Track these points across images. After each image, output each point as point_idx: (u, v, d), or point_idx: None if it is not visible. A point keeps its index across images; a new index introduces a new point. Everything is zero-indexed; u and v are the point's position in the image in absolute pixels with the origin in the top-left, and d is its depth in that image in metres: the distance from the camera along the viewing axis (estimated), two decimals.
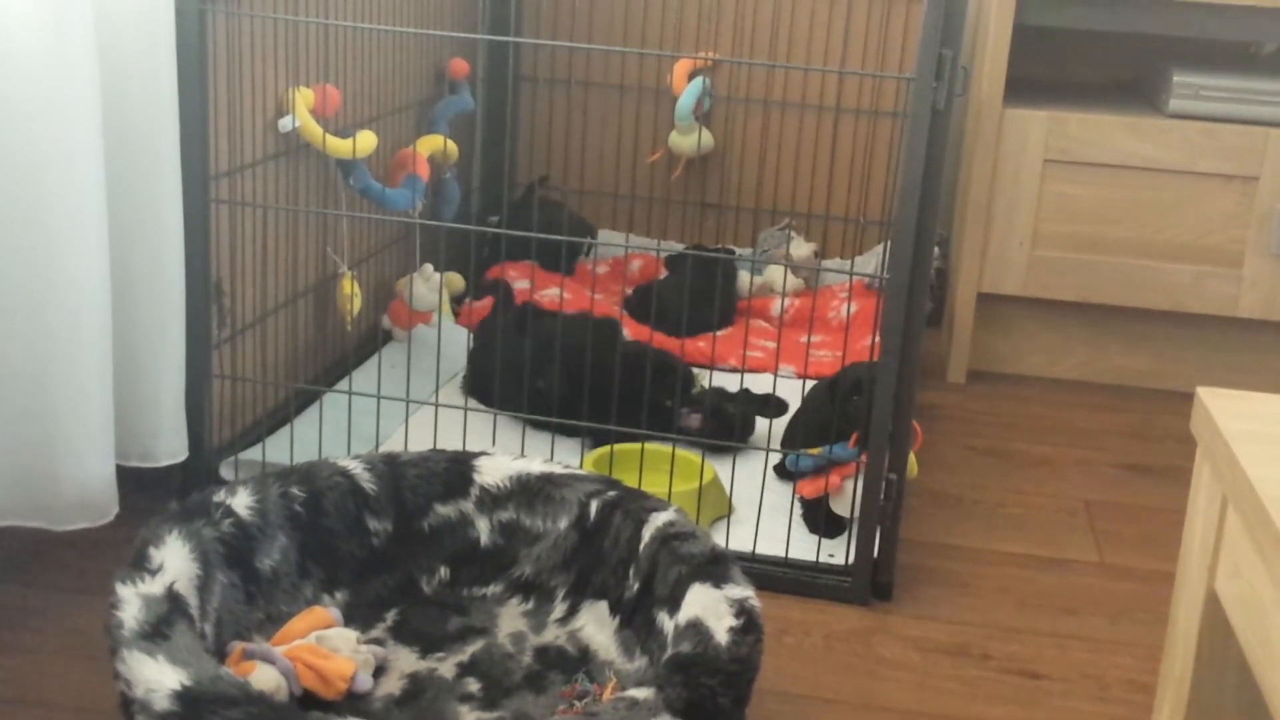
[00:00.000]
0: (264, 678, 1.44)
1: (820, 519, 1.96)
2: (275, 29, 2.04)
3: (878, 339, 1.81)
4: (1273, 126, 2.57)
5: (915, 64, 1.72)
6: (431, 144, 2.51)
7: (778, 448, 2.11)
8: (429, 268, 2.46)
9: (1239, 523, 1.07)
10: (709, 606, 1.46)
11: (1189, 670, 1.19)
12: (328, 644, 1.53)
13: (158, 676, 1.26)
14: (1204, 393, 1.19)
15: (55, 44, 1.56)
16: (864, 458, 1.83)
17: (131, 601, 1.37)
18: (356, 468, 1.72)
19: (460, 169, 2.79)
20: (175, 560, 1.46)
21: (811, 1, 2.95)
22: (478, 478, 1.74)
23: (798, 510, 2.01)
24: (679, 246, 3.02)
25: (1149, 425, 2.59)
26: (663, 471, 1.98)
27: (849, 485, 1.92)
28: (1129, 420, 2.61)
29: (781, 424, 2.22)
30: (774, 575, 1.86)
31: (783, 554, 1.89)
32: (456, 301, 2.62)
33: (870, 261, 2.91)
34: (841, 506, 1.93)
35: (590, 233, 2.97)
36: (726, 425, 2.16)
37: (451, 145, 2.54)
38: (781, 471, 2.12)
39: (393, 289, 2.57)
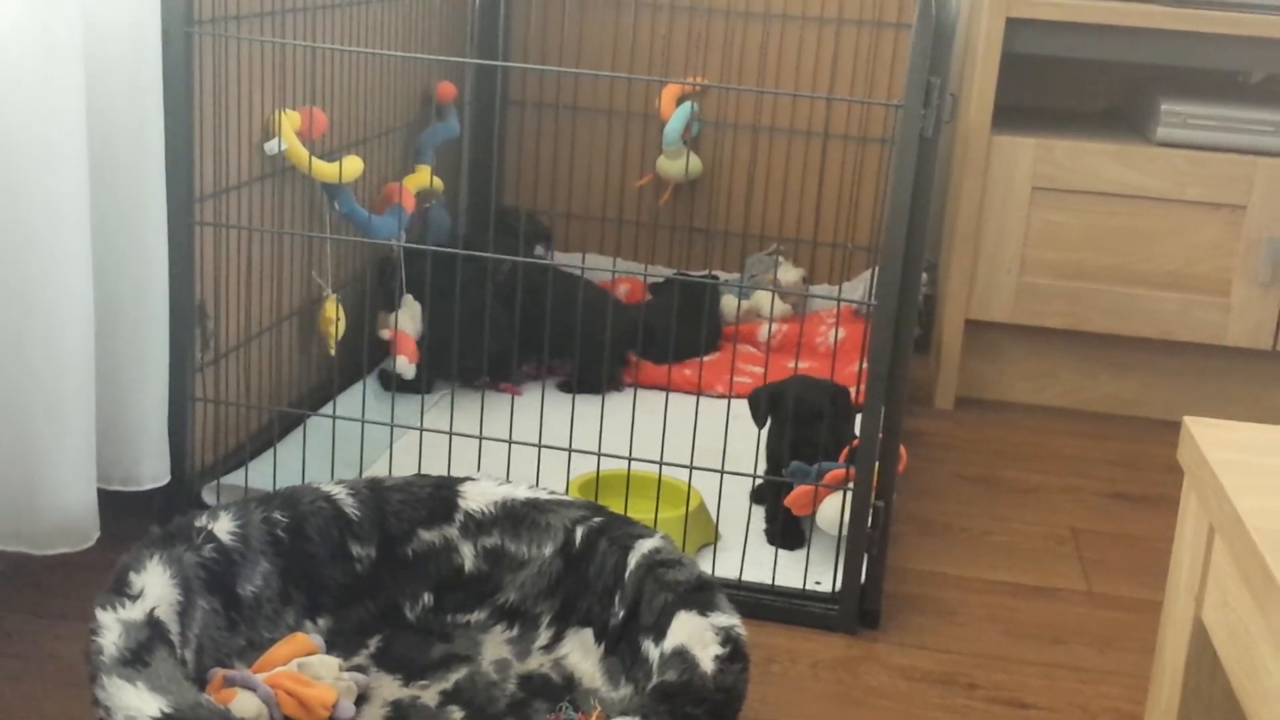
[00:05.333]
0: (245, 705, 1.43)
1: (777, 528, 1.98)
2: (262, 51, 2.04)
3: (865, 365, 1.81)
4: (1260, 155, 2.57)
5: (904, 91, 1.72)
6: (419, 181, 2.51)
7: (761, 474, 2.10)
8: (409, 298, 2.44)
9: (1226, 553, 1.06)
10: (695, 634, 1.45)
11: (1176, 700, 1.19)
12: (309, 671, 1.51)
13: (138, 703, 1.25)
14: (1191, 422, 1.18)
15: (41, 65, 1.55)
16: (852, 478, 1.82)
17: (112, 627, 1.36)
18: (340, 492, 1.71)
19: (447, 194, 2.79)
20: (156, 586, 1.45)
21: (800, 27, 2.95)
22: (462, 503, 1.74)
23: (760, 526, 2.02)
24: (667, 271, 3.02)
25: (1136, 454, 2.59)
26: (649, 498, 1.97)
27: (832, 502, 1.91)
28: (1116, 448, 2.61)
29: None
30: (760, 603, 1.85)
31: (769, 581, 1.88)
32: None
33: (858, 287, 2.91)
34: (827, 524, 1.92)
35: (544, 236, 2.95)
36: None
37: (437, 181, 2.54)
38: (757, 497, 2.11)
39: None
